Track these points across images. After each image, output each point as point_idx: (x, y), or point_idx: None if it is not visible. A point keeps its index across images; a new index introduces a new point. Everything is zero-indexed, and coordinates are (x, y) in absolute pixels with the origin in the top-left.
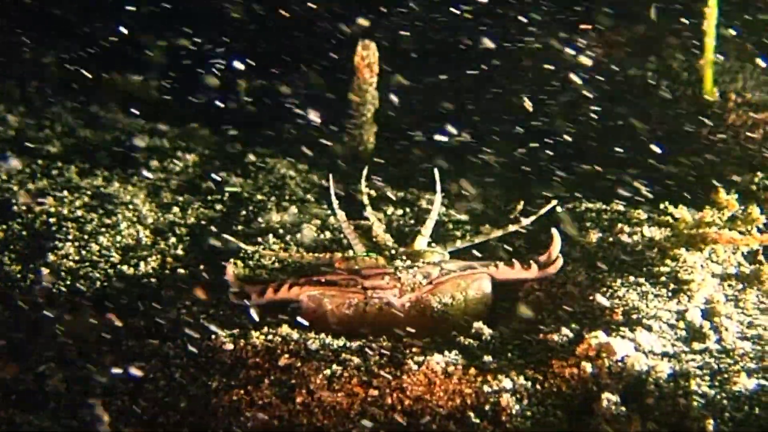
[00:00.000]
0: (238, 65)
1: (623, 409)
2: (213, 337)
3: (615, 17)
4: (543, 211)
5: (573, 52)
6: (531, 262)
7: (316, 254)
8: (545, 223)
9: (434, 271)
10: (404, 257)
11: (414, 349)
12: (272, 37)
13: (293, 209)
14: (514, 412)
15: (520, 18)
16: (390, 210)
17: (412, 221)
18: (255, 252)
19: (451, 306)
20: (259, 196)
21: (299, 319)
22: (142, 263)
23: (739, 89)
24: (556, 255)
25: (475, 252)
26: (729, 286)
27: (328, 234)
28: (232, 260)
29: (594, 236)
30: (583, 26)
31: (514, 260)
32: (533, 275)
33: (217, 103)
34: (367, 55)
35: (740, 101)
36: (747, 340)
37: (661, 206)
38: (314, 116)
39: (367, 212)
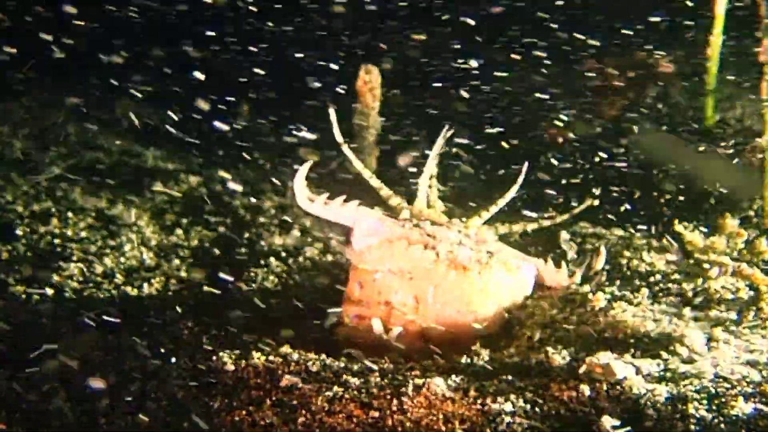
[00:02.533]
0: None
1: None
2: (215, 357)
3: (613, 44)
4: (581, 207)
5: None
6: (575, 271)
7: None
8: (534, 241)
9: (490, 244)
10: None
11: (414, 372)
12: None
13: (295, 232)
14: None
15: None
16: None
17: None
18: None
19: (491, 272)
20: (262, 219)
21: (350, 250)
22: (145, 284)
23: (739, 115)
24: (599, 269)
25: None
26: (727, 310)
27: (329, 257)
28: (309, 162)
29: (595, 259)
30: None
31: (562, 263)
32: (570, 284)
33: (218, 126)
34: (370, 79)
35: (740, 127)
36: (745, 365)
37: (671, 229)
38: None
39: (424, 178)
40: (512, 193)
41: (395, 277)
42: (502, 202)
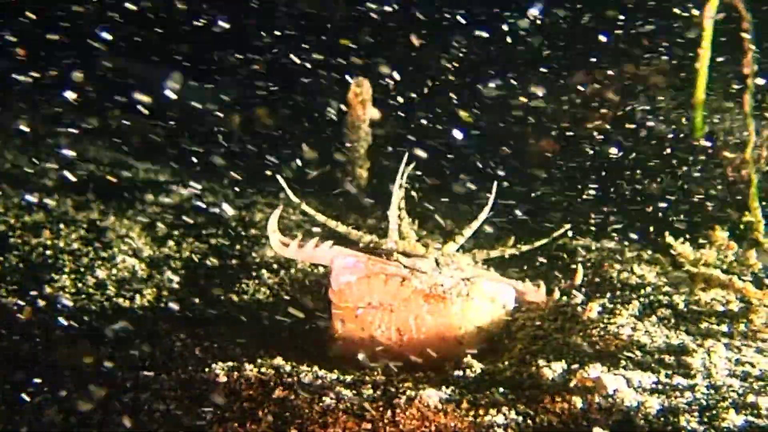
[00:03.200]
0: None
1: None
2: (207, 369)
3: (605, 56)
4: (555, 234)
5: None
6: (555, 288)
7: (356, 230)
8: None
9: (467, 271)
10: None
11: (407, 384)
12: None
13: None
14: None
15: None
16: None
17: None
18: (299, 204)
19: (472, 302)
20: (253, 231)
21: (331, 290)
22: (137, 296)
23: (727, 128)
24: (577, 285)
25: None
26: (717, 322)
27: (320, 269)
28: (278, 208)
29: (584, 272)
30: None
31: (540, 282)
32: (551, 301)
33: (213, 139)
34: (360, 92)
35: (728, 140)
36: (735, 377)
37: (663, 242)
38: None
39: (392, 211)
40: (484, 215)
41: (376, 312)
42: (475, 225)
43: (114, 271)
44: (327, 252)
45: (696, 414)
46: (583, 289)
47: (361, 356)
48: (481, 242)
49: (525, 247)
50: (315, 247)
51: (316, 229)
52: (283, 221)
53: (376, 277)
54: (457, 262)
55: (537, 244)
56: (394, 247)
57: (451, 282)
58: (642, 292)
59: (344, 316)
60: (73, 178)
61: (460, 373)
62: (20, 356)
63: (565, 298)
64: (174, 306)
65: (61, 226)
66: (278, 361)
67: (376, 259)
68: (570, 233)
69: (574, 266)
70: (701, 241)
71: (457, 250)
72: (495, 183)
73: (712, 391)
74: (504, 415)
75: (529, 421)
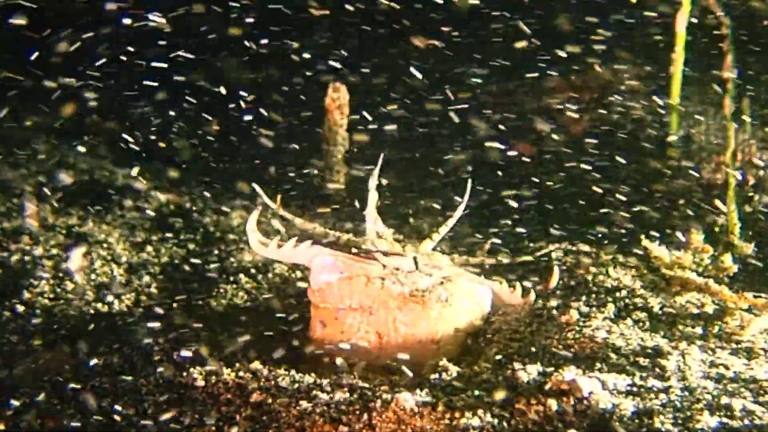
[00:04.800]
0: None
1: None
2: (185, 373)
3: (579, 60)
4: (539, 253)
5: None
6: (531, 290)
7: (334, 231)
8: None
9: (445, 269)
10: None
11: (383, 387)
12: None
13: None
14: None
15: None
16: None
17: None
18: (277, 211)
19: (451, 307)
20: (232, 236)
21: (310, 289)
22: (116, 301)
23: (703, 131)
24: (553, 287)
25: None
26: (692, 325)
27: (299, 273)
28: (258, 208)
29: (559, 275)
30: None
31: (516, 284)
32: (527, 303)
33: (190, 143)
34: (338, 97)
35: (703, 144)
36: (709, 379)
37: (639, 244)
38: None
39: (369, 211)
40: (459, 213)
41: (356, 314)
42: (451, 223)
43: (93, 276)
44: (306, 251)
45: (670, 415)
46: (559, 292)
47: (339, 361)
48: (455, 243)
49: (505, 260)
50: (294, 246)
51: (294, 232)
52: (261, 226)
53: (357, 278)
54: (434, 261)
55: (519, 260)
56: (373, 247)
57: (431, 281)
58: (617, 295)
59: (324, 317)
60: (52, 184)
61: (436, 376)
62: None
63: (540, 300)
64: (152, 311)
65: (40, 231)
66: (256, 365)
67: (356, 258)
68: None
69: (549, 268)
70: (677, 244)
71: (434, 249)
72: (469, 182)
73: (687, 393)
74: (479, 418)
75: (505, 424)
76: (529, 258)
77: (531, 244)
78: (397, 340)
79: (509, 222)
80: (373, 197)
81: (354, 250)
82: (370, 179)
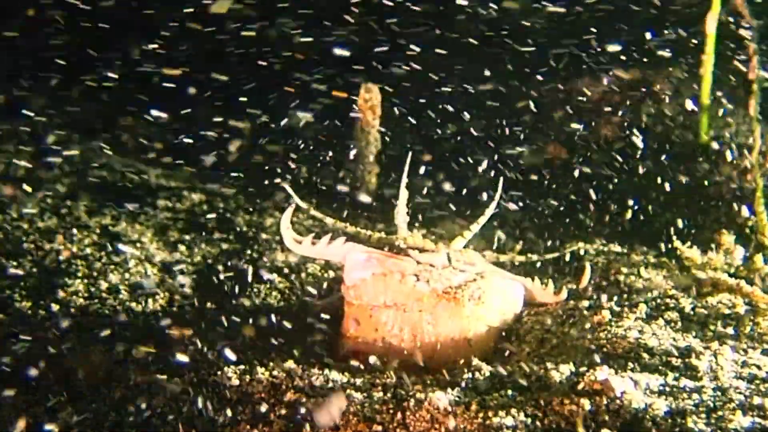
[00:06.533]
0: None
1: None
2: (220, 372)
3: (611, 61)
4: (568, 250)
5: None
6: (563, 287)
7: (365, 230)
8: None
9: (478, 266)
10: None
11: (416, 386)
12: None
13: None
14: None
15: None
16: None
17: None
18: (308, 210)
19: (483, 304)
20: (264, 236)
21: (344, 286)
22: (150, 300)
23: (733, 132)
24: (585, 286)
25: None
26: (725, 326)
27: (331, 273)
28: (291, 207)
29: (591, 275)
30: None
31: (548, 281)
32: (559, 300)
33: (224, 145)
34: (370, 97)
35: (734, 144)
36: (742, 379)
37: (670, 246)
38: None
39: (400, 208)
40: (491, 211)
41: (390, 311)
42: (482, 220)
43: (126, 275)
44: (340, 248)
45: (703, 415)
46: (591, 292)
47: (372, 359)
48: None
49: (535, 257)
50: (328, 243)
51: (327, 232)
52: (294, 226)
53: (391, 275)
54: (467, 257)
55: (548, 256)
56: (406, 243)
57: (464, 277)
58: (649, 295)
59: (357, 315)
60: (85, 183)
61: (469, 375)
62: (36, 359)
63: (572, 301)
64: (186, 310)
65: (74, 231)
66: (290, 364)
67: (390, 255)
68: (582, 251)
69: (581, 267)
70: (708, 244)
71: (465, 246)
72: (501, 180)
73: (719, 393)
74: (513, 417)
75: (538, 423)
76: (557, 254)
77: (562, 245)
78: (431, 337)
79: (541, 223)
80: (403, 196)
81: (387, 247)
82: (401, 178)
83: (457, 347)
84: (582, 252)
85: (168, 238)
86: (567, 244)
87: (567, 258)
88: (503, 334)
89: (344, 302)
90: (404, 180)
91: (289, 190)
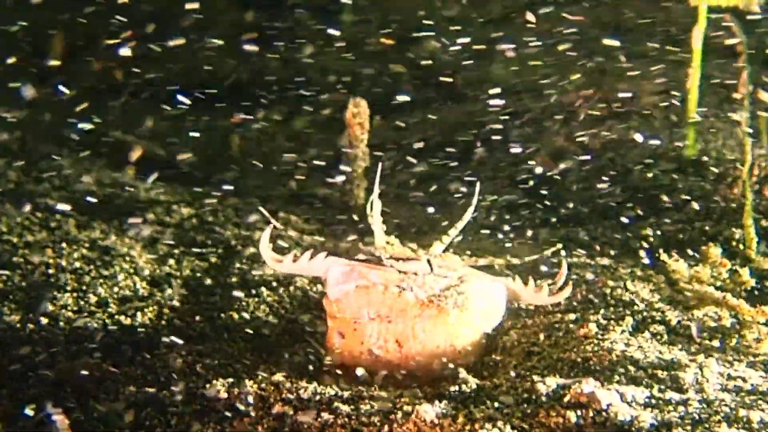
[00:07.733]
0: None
1: None
2: (208, 385)
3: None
4: (547, 252)
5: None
6: (543, 286)
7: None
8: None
9: (459, 270)
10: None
11: (403, 398)
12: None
13: None
14: None
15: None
16: None
17: None
18: (284, 229)
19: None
20: (253, 249)
21: (327, 300)
22: (139, 313)
23: (720, 146)
24: (561, 284)
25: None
26: (711, 339)
27: (319, 287)
28: (271, 225)
29: (577, 288)
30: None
31: (529, 279)
32: (542, 301)
33: (209, 155)
34: (358, 112)
35: (720, 158)
36: (727, 391)
37: (657, 258)
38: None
39: (375, 216)
40: (468, 216)
41: (375, 323)
42: (460, 225)
43: (115, 289)
44: (322, 263)
45: (689, 428)
46: (577, 306)
47: (359, 371)
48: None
49: (515, 260)
50: (309, 259)
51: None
52: (278, 242)
53: (374, 287)
54: (447, 262)
55: (528, 258)
56: (385, 253)
57: (446, 282)
58: (635, 308)
59: (342, 328)
60: (75, 197)
61: (456, 388)
62: (22, 372)
63: (558, 314)
64: (175, 323)
65: (63, 245)
66: (278, 377)
67: (372, 266)
68: (563, 251)
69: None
70: (695, 258)
71: (444, 251)
72: (477, 184)
73: (705, 406)
74: (499, 429)
75: None
76: (536, 257)
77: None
78: (417, 347)
79: (524, 232)
80: (377, 205)
81: (362, 257)
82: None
83: (445, 354)
84: (563, 254)
85: (157, 251)
86: (546, 249)
87: (546, 260)
88: (489, 337)
89: (327, 316)
90: (376, 189)
91: (265, 213)
